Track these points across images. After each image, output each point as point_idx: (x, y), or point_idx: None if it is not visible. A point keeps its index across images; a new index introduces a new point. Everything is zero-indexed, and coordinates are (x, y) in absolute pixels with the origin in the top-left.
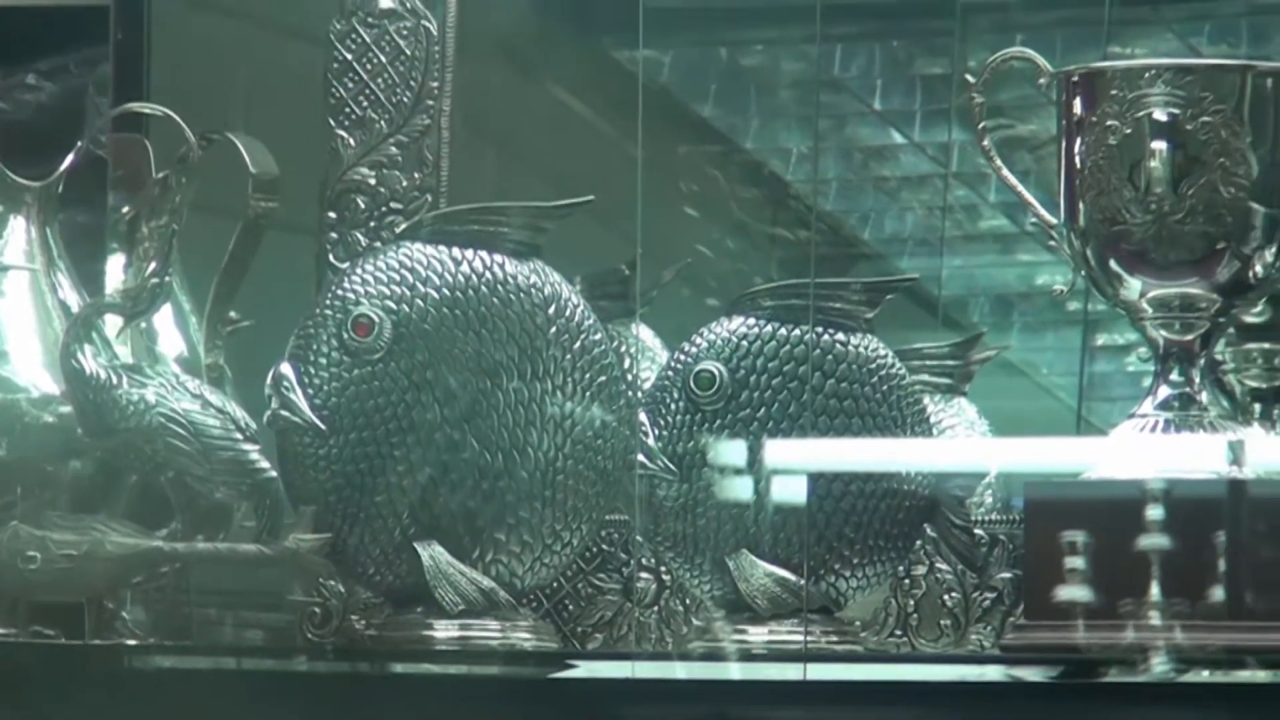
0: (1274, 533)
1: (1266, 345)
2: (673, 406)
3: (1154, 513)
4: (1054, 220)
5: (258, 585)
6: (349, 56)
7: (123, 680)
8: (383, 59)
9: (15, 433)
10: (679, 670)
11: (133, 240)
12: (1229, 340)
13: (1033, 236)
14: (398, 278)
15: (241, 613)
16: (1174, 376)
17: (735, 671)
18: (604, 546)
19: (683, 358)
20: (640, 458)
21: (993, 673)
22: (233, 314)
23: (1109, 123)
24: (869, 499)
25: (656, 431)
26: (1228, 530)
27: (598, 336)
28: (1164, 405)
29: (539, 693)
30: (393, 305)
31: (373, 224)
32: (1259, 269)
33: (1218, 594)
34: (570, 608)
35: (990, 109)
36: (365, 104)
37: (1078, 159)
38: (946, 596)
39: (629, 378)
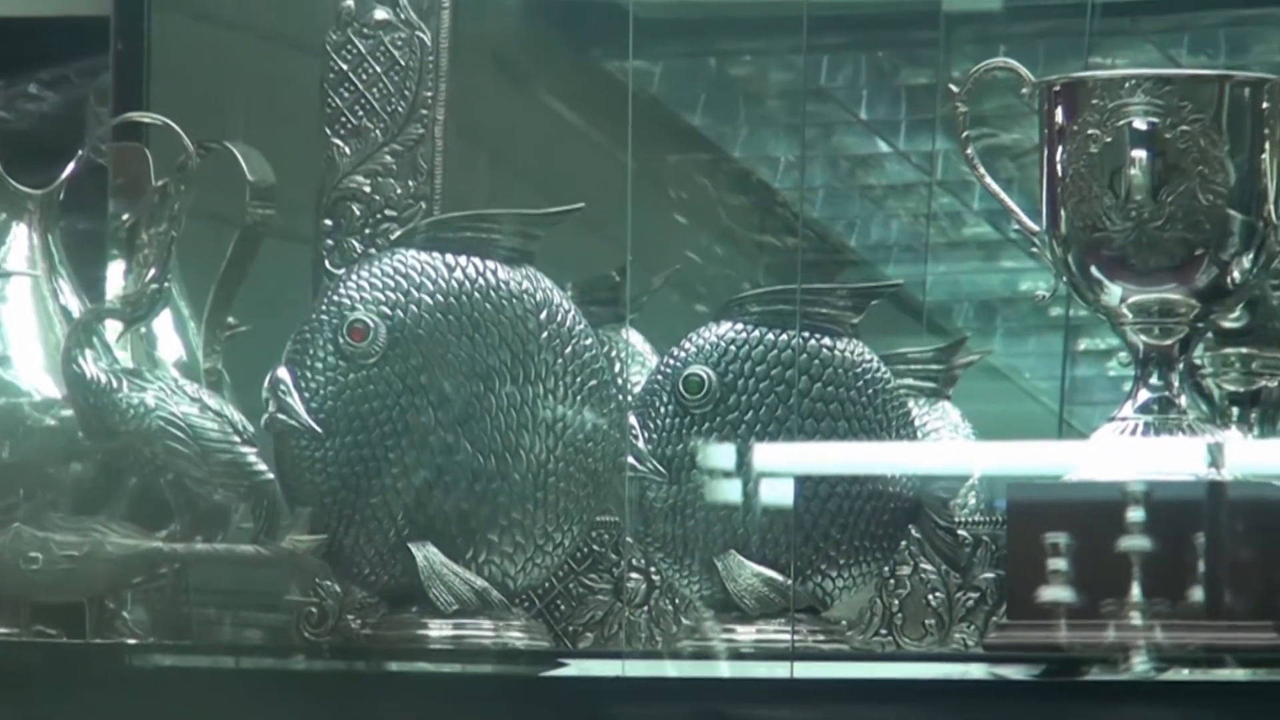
0: (1251, 534)
1: (1244, 350)
2: (662, 410)
3: (1134, 514)
4: (1036, 227)
5: (256, 585)
6: (345, 67)
7: (123, 679)
8: (378, 69)
9: (17, 436)
10: (669, 668)
11: (133, 247)
12: (1207, 345)
13: (1016, 243)
14: (392, 284)
15: (240, 612)
16: (1153, 380)
17: (724, 670)
18: (595, 547)
19: (672, 362)
20: (630, 460)
21: (976, 671)
22: (231, 319)
23: (1090, 131)
24: (855, 501)
25: (646, 434)
26: (1206, 531)
27: (588, 341)
28: (1144, 409)
29: (531, 691)
30: (387, 311)
31: (368, 231)
32: (1237, 275)
33: (1197, 594)
34: (562, 607)
35: (974, 118)
36: (361, 113)
37: (1059, 167)
38: (931, 596)
39: (619, 382)
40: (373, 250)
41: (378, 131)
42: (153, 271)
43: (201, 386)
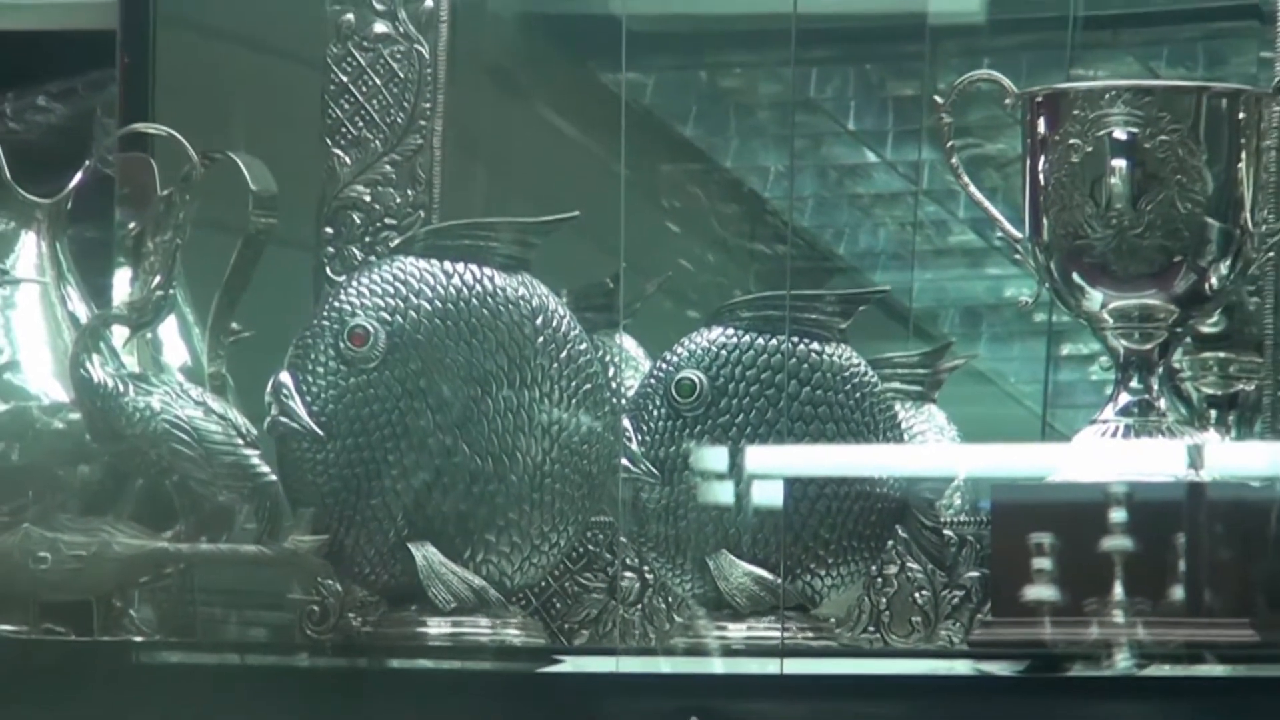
0: (1230, 533)
1: (1222, 354)
2: (655, 413)
3: (1115, 515)
4: (1019, 235)
5: (259, 584)
6: (345, 79)
7: (130, 675)
8: (377, 81)
9: (27, 438)
10: (662, 665)
11: (139, 255)
12: (1186, 349)
13: (1000, 251)
14: (392, 290)
15: (244, 611)
16: (1134, 384)
17: (716, 666)
18: (590, 547)
19: (664, 366)
20: (624, 462)
21: (961, 667)
22: (234, 325)
23: (1071, 141)
24: (843, 501)
25: (640, 437)
26: (1186, 531)
27: (583, 346)
28: (1124, 411)
29: (528, 686)
30: (387, 317)
31: (368, 239)
32: (1214, 281)
33: (1177, 592)
34: (558, 605)
35: (958, 129)
36: (361, 124)
37: (1042, 176)
38: (917, 594)
39: (613, 386)
40: (373, 258)
41: (377, 142)
42: (158, 278)
43: (206, 390)
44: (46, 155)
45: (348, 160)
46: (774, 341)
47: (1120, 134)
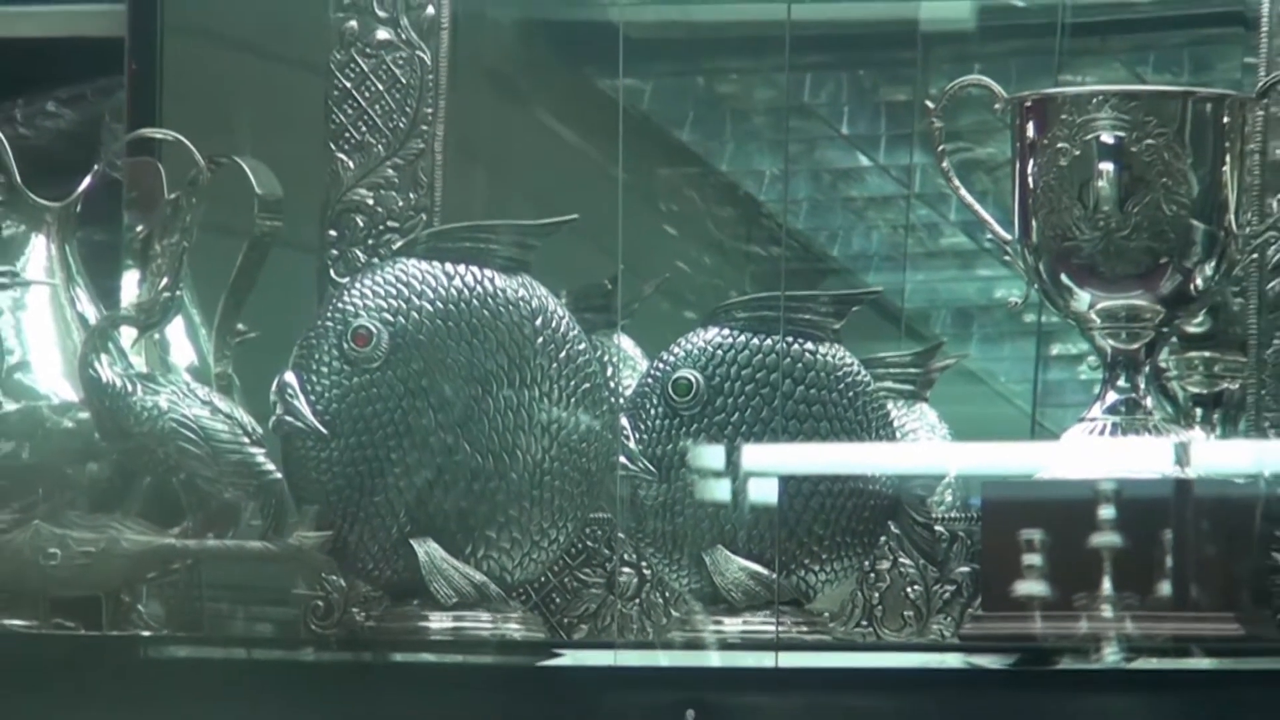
0: (1215, 530)
1: (1207, 353)
2: (652, 412)
3: (1104, 511)
4: (1009, 237)
5: (265, 580)
6: (348, 85)
7: (139, 669)
8: (380, 87)
9: (37, 437)
10: (659, 658)
11: (146, 257)
12: (1172, 349)
13: (990, 253)
14: (394, 292)
15: (250, 606)
16: (1121, 383)
17: (712, 659)
18: (588, 543)
19: (662, 366)
20: (622, 460)
21: (952, 660)
22: (240, 326)
23: (1059, 145)
24: (836, 498)
25: (637, 435)
26: (1173, 528)
27: (582, 346)
28: (1112, 410)
29: (528, 679)
30: (390, 317)
31: (371, 241)
32: (1199, 282)
33: (1164, 587)
34: (557, 600)
35: (949, 133)
36: (364, 129)
37: (1031, 179)
38: (909, 589)
39: (611, 385)
40: (375, 260)
41: (380, 146)
42: (165, 280)
43: (212, 390)
44: (56, 160)
45: (351, 164)
46: (769, 341)
47: (1107, 138)
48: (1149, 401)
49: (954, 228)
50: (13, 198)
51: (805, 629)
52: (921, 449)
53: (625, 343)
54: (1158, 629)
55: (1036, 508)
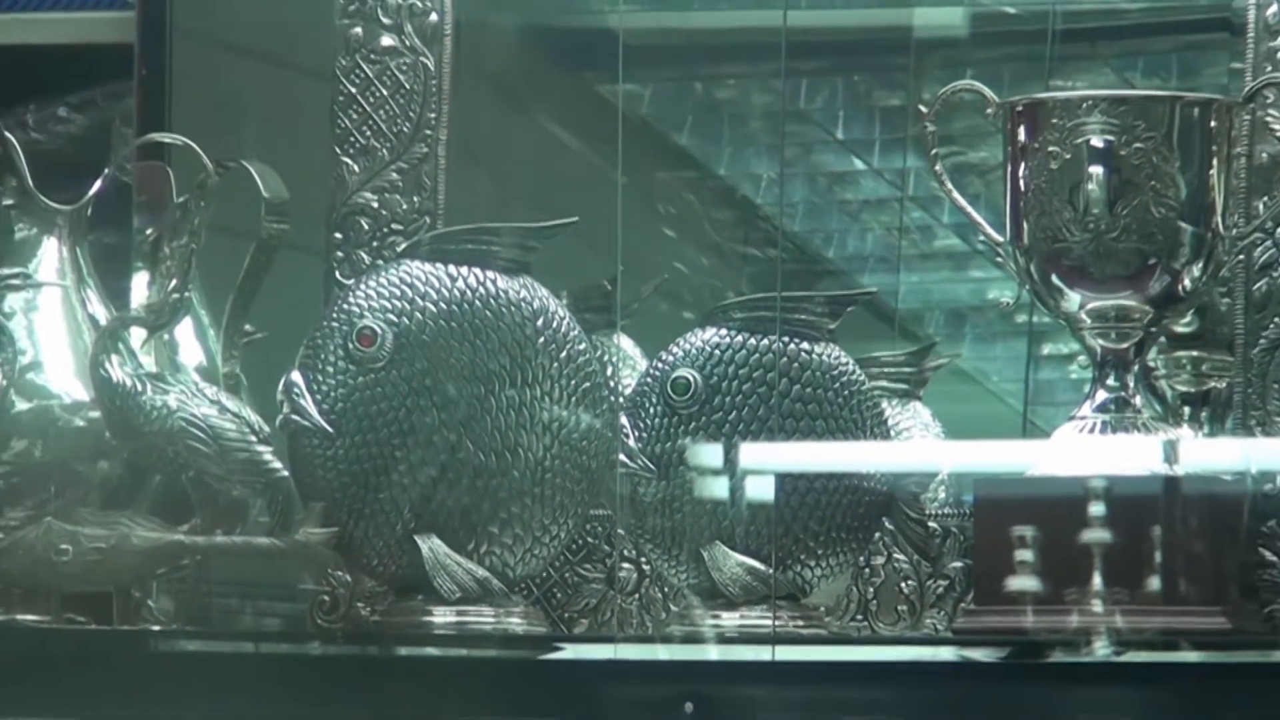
0: (1203, 526)
1: (1195, 353)
2: (651, 410)
3: (1094, 508)
4: (1000, 239)
5: (272, 576)
6: (353, 90)
7: (148, 664)
8: (384, 92)
9: (49, 436)
10: (659, 652)
11: (155, 259)
12: (1160, 348)
13: (983, 254)
14: (398, 293)
15: (257, 601)
16: (1110, 382)
17: (710, 653)
18: (589, 539)
19: (660, 365)
20: (622, 458)
21: (946, 654)
22: (247, 327)
23: (1050, 149)
24: (832, 495)
25: (636, 433)
26: (1161, 524)
27: (582, 346)
28: (1101, 408)
29: (529, 673)
30: (394, 318)
31: (375, 244)
32: (1187, 283)
33: (1153, 582)
34: (558, 595)
35: (942, 137)
36: (368, 134)
37: (1022, 182)
38: (903, 584)
39: (611, 384)
40: (380, 262)
41: (384, 151)
42: (174, 282)
43: (220, 389)
44: (67, 164)
45: (356, 168)
46: (765, 341)
47: (1097, 142)
48: (1138, 400)
49: (947, 230)
50: (25, 201)
51: (802, 623)
52: (915, 447)
53: (625, 343)
54: (1147, 623)
55: (1028, 504)
